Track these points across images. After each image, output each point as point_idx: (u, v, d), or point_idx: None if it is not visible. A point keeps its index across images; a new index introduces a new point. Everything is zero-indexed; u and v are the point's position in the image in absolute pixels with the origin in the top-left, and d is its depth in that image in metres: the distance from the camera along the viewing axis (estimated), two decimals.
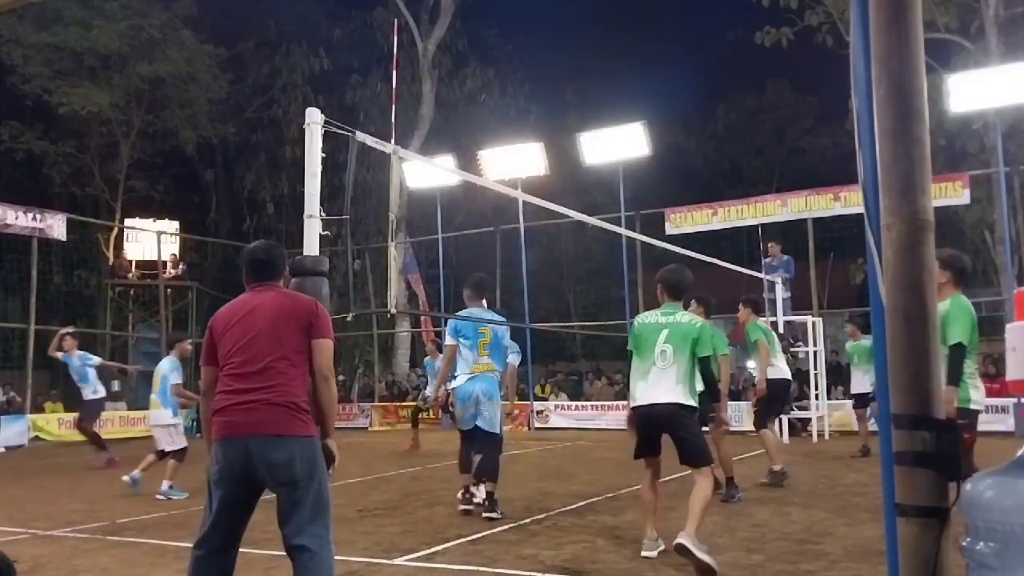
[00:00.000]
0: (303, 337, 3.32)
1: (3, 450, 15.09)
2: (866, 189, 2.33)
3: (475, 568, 4.84)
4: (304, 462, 3.24)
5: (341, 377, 19.52)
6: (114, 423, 17.57)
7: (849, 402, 14.97)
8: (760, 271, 14.15)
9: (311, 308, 3.38)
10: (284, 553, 3.29)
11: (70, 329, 12.92)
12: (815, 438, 12.92)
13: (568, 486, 8.41)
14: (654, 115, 20.33)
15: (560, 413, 17.42)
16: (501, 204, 21.85)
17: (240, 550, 3.43)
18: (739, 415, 15.40)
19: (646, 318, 5.31)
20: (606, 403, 17.48)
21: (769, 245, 14.68)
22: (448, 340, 6.80)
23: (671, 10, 33.95)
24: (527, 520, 6.38)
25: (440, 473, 9.81)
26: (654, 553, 5.02)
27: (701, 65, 31.04)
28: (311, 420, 3.33)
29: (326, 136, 4.34)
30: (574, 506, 7.06)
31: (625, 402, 16.71)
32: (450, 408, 7.54)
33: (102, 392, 12.19)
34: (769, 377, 8.30)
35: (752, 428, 14.57)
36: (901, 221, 2.16)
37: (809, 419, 13.39)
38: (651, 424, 5.11)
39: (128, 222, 22.85)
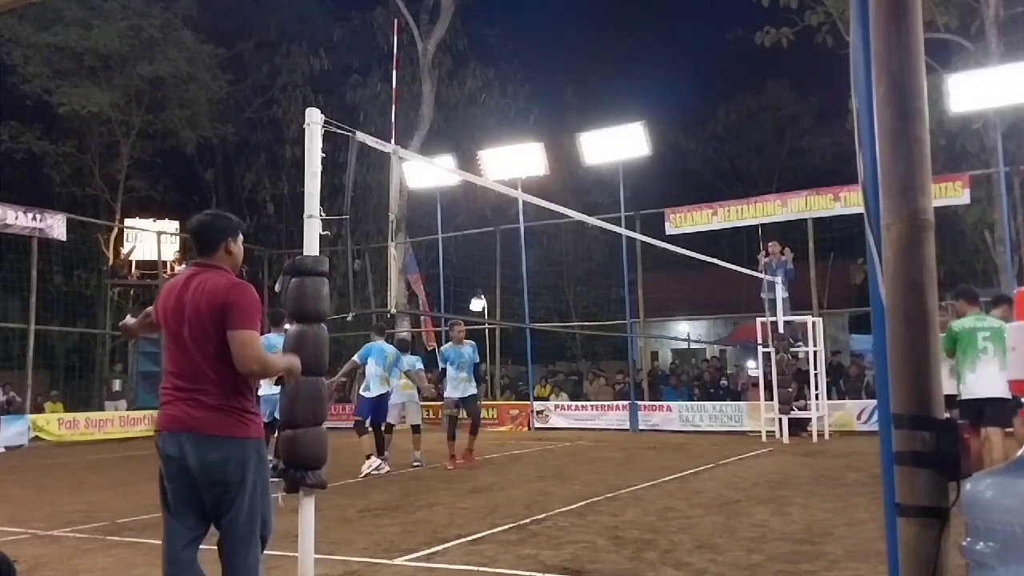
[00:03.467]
0: (222, 334, 3.13)
1: (3, 450, 15.08)
2: (866, 189, 2.33)
3: (475, 568, 4.83)
4: (238, 465, 3.12)
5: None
6: (114, 423, 17.59)
7: (849, 402, 15.00)
8: (758, 270, 14.15)
9: (224, 300, 3.14)
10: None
11: None
12: (815, 438, 12.92)
13: (568, 486, 8.39)
14: (654, 115, 20.35)
15: (560, 413, 17.41)
16: (501, 204, 21.87)
17: None
18: (739, 415, 15.43)
19: (964, 323, 6.94)
20: (606, 403, 17.47)
21: (769, 245, 14.68)
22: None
23: (671, 10, 34.08)
24: (527, 520, 6.37)
25: (440, 473, 9.81)
26: None
27: (701, 65, 31.19)
28: (251, 419, 3.21)
29: (326, 136, 4.33)
30: (574, 506, 7.04)
31: (625, 402, 16.80)
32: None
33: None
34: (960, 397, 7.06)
35: (750, 427, 14.72)
36: (901, 221, 2.16)
37: (809, 419, 13.40)
38: (979, 411, 6.67)
39: (128, 222, 22.86)
